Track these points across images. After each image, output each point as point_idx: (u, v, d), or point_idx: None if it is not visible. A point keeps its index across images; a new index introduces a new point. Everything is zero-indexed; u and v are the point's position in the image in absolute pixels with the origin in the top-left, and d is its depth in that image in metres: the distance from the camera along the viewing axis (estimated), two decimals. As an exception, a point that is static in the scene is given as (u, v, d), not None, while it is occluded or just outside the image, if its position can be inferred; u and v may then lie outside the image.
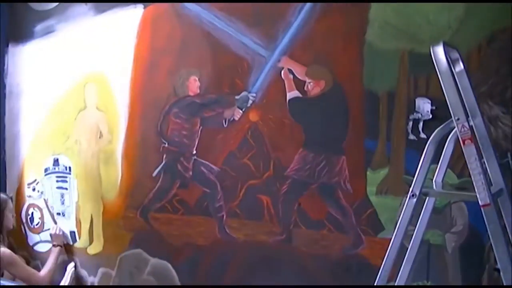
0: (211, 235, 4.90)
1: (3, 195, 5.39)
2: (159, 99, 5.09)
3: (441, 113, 3.85)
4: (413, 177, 3.17)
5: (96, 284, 5.53)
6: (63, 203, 5.77)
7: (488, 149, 2.97)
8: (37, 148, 5.96)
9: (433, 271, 4.07)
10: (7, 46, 6.10)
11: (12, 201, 5.58)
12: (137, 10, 5.21)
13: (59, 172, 5.79)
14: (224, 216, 4.84)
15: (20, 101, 6.07)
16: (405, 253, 3.39)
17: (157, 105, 5.09)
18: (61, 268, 5.58)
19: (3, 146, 6.15)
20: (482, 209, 2.85)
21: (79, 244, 5.66)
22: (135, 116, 5.26)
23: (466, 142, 2.90)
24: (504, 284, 2.94)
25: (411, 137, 4.09)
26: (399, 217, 3.22)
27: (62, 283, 5.44)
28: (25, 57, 6.02)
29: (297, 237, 4.56)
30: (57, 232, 5.59)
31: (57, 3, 5.72)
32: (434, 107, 3.99)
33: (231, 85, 4.78)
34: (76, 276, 5.60)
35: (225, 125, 4.81)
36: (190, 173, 4.97)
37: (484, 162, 2.96)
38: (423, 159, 3.15)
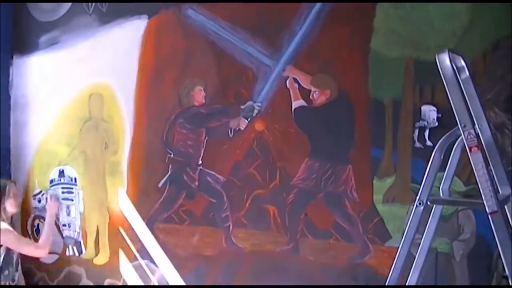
0: (217, 245, 4.89)
1: (2, 180, 5.32)
2: (164, 110, 5.09)
3: (447, 120, 3.84)
4: (420, 185, 3.15)
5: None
6: (68, 214, 5.76)
7: (494, 156, 2.94)
8: (42, 160, 5.96)
9: (441, 279, 4.05)
10: (12, 57, 6.11)
11: (15, 185, 5.46)
12: (142, 21, 5.22)
13: (65, 183, 5.79)
14: (231, 226, 4.83)
15: (25, 112, 6.07)
16: (413, 262, 3.37)
17: (162, 115, 5.10)
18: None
19: (9, 157, 6.15)
20: (489, 216, 2.83)
21: (85, 255, 5.65)
22: (140, 126, 5.26)
23: (472, 149, 2.88)
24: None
25: (417, 145, 4.09)
26: (406, 225, 3.20)
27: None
28: (30, 69, 6.03)
29: (304, 247, 4.55)
30: (51, 203, 5.62)
31: (61, 14, 5.74)
32: (440, 115, 3.99)
33: (236, 94, 4.79)
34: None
35: (230, 135, 4.81)
36: (196, 183, 4.97)
37: (491, 170, 2.94)
38: (430, 167, 3.13)
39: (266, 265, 4.69)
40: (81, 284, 5.65)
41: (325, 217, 4.46)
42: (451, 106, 2.92)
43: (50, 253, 5.78)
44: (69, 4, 5.69)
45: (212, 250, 4.93)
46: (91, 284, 5.59)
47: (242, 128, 4.76)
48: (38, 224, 5.99)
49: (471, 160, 2.89)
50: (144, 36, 5.23)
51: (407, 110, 4.14)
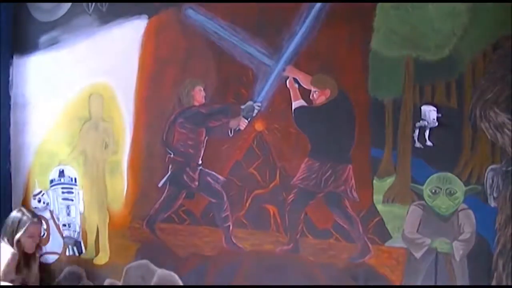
0: (217, 245, 4.89)
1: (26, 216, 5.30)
2: (164, 110, 5.09)
3: (447, 120, 3.85)
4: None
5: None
6: (68, 214, 5.76)
7: None
8: (42, 160, 5.95)
9: (441, 279, 4.05)
10: (12, 57, 6.10)
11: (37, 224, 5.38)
12: (142, 21, 5.21)
13: (65, 183, 5.78)
14: (231, 226, 4.83)
15: (25, 112, 6.06)
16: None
17: (162, 115, 5.09)
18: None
19: (9, 157, 6.14)
20: None
21: (85, 255, 5.64)
22: (140, 126, 5.26)
23: None
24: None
25: (417, 145, 4.08)
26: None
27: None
28: (30, 69, 6.02)
29: (304, 247, 4.55)
30: None
31: (61, 14, 5.73)
32: (440, 115, 3.98)
33: (236, 94, 4.79)
34: None
35: (230, 135, 4.81)
36: (196, 183, 4.97)
37: None
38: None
39: (266, 265, 4.69)
40: (81, 284, 5.65)
41: (325, 217, 4.46)
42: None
43: (50, 253, 5.80)
44: (69, 4, 5.68)
45: (212, 250, 4.93)
46: (91, 284, 5.59)
47: (242, 128, 4.76)
48: (38, 224, 5.99)
49: None
50: (144, 36, 5.23)
51: (407, 110, 4.14)
